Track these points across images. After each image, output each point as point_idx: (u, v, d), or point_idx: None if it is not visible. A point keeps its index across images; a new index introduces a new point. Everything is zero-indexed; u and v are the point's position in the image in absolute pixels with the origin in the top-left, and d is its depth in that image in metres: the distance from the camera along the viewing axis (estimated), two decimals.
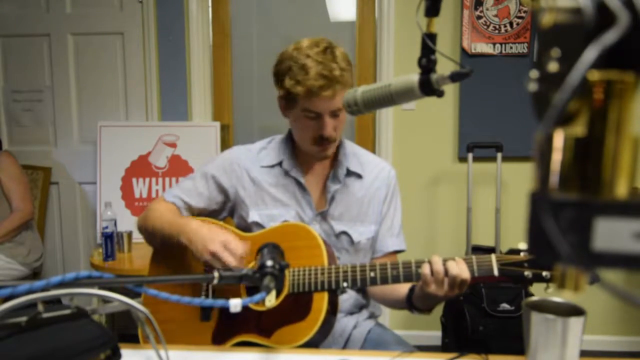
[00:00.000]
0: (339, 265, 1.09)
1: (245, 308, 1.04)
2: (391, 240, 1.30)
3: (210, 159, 1.34)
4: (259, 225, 1.23)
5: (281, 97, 1.22)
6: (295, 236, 1.14)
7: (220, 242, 1.05)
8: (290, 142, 1.29)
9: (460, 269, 1.00)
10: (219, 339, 1.15)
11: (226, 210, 1.31)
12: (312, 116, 1.16)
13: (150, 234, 1.23)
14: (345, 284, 1.07)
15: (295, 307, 1.10)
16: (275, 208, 1.24)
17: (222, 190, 1.28)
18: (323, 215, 1.24)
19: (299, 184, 1.25)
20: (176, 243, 1.13)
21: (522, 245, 1.01)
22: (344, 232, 1.24)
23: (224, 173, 1.27)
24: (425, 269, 1.02)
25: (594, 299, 2.33)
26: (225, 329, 1.15)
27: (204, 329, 1.16)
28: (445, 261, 1.02)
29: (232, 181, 1.27)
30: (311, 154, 1.24)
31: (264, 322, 1.12)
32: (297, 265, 1.10)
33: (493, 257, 1.01)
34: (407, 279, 1.05)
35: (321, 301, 1.09)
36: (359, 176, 1.28)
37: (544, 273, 0.98)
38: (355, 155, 1.31)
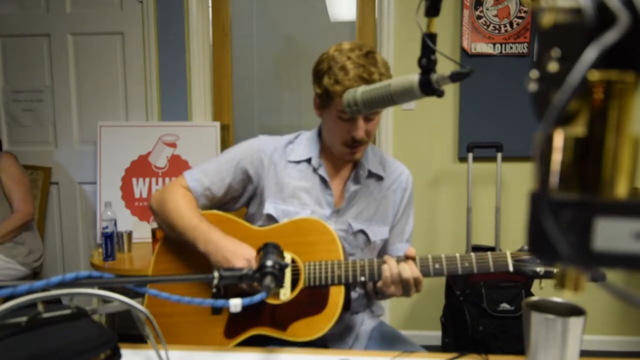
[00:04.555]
0: (356, 260, 1.10)
1: (259, 302, 1.04)
2: (400, 246, 1.31)
3: (236, 145, 1.32)
4: (272, 218, 1.22)
5: (318, 96, 1.21)
6: (311, 231, 1.14)
7: (245, 260, 1.06)
8: (318, 139, 1.29)
9: (412, 271, 1.06)
10: (231, 332, 1.15)
11: (245, 197, 1.29)
12: (346, 117, 1.16)
13: (167, 225, 1.21)
14: (362, 278, 1.08)
15: (311, 300, 1.10)
16: (292, 205, 1.23)
17: (247, 177, 1.26)
18: (339, 213, 1.24)
19: (324, 181, 1.25)
20: (192, 247, 1.13)
21: None
22: (362, 231, 1.24)
23: (251, 160, 1.26)
24: (386, 272, 1.07)
25: (594, 299, 2.33)
26: (239, 322, 1.15)
27: (216, 323, 1.16)
28: (398, 263, 1.08)
29: (257, 169, 1.26)
30: (340, 155, 1.24)
31: (278, 315, 1.11)
32: (313, 260, 1.10)
33: (508, 253, 1.04)
34: (425, 274, 1.07)
35: (338, 296, 1.09)
36: (379, 178, 1.28)
37: (555, 270, 0.99)
38: (375, 156, 1.31)
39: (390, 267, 1.07)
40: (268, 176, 1.25)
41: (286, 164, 1.26)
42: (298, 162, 1.26)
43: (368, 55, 1.13)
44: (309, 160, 1.26)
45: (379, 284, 1.09)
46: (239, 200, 1.30)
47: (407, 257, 1.08)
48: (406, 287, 1.07)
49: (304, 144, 1.29)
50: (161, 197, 1.23)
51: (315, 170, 1.25)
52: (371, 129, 1.19)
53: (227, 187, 1.26)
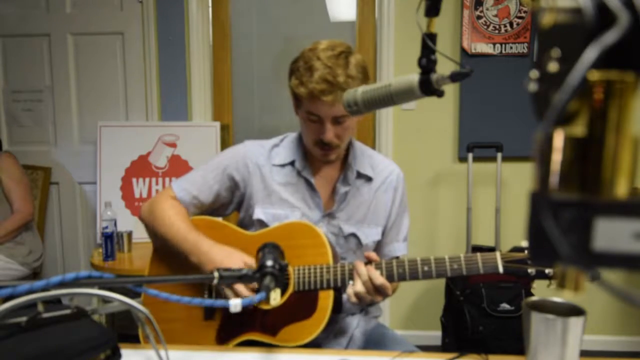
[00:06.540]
0: (344, 263, 1.09)
1: (250, 307, 1.04)
2: (398, 245, 1.30)
3: (221, 152, 1.32)
4: (262, 223, 1.22)
5: (291, 95, 1.21)
6: (300, 235, 1.13)
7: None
8: (302, 141, 1.28)
9: (374, 276, 1.04)
10: (223, 337, 1.15)
11: (234, 204, 1.29)
12: (314, 119, 1.15)
13: (157, 238, 1.21)
14: (351, 282, 1.07)
15: (301, 305, 1.09)
16: (281, 208, 1.22)
17: (234, 183, 1.25)
18: (331, 216, 1.23)
19: (310, 184, 1.24)
20: (184, 259, 1.12)
21: (525, 243, 1.02)
22: (353, 234, 1.23)
23: (237, 167, 1.25)
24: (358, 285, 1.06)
25: (594, 299, 2.33)
26: (230, 328, 1.15)
27: (208, 328, 1.16)
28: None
29: (243, 175, 1.25)
30: (315, 155, 1.22)
31: (269, 320, 1.11)
32: (302, 264, 1.10)
33: (497, 254, 1.02)
34: (413, 276, 1.05)
35: (327, 299, 1.09)
36: (368, 179, 1.26)
37: (547, 270, 0.99)
38: (364, 156, 1.29)
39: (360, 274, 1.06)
40: (255, 182, 1.24)
41: (271, 168, 1.25)
42: (282, 165, 1.25)
43: (340, 56, 1.10)
44: (292, 163, 1.25)
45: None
46: (228, 207, 1.30)
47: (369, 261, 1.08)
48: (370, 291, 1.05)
49: (288, 147, 1.28)
50: (150, 209, 1.22)
51: (299, 172, 1.24)
52: (342, 132, 1.17)
53: (215, 195, 1.25)
